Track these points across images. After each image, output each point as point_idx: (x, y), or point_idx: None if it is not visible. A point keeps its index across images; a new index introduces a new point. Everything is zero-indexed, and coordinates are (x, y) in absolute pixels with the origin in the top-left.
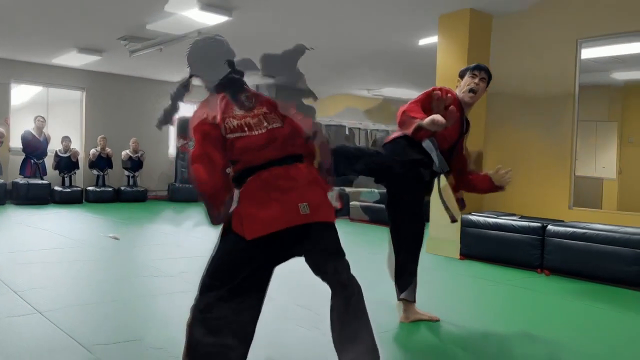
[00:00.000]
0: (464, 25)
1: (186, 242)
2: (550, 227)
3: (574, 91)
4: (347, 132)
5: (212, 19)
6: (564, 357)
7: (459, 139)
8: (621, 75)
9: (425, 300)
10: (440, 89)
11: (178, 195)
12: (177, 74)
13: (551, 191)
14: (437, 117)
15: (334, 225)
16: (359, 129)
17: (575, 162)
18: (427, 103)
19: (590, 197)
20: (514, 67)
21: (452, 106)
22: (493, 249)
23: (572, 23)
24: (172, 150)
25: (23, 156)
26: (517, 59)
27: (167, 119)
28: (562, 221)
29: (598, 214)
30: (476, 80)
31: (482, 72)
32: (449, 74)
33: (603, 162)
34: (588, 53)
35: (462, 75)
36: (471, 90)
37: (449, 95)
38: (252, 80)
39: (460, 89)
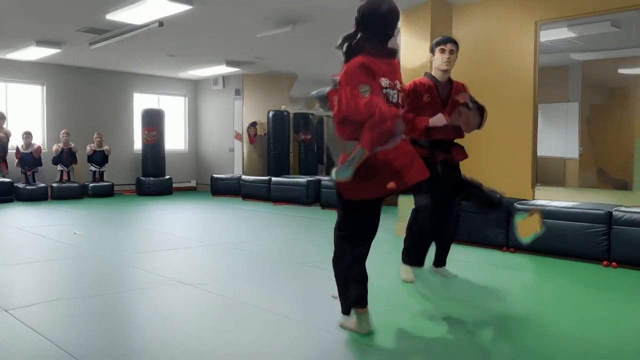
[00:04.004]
0: (426, 19)
1: (157, 236)
2: (515, 205)
3: (534, 73)
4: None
5: (173, 8)
6: (534, 332)
7: (445, 107)
8: (580, 56)
9: (394, 279)
10: (415, 86)
11: (146, 189)
12: (140, 64)
13: (515, 171)
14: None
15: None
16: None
17: (537, 142)
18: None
19: (553, 176)
20: (475, 52)
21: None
22: (459, 229)
23: (532, 6)
24: (137, 144)
25: None
26: (478, 44)
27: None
28: (527, 200)
29: (561, 191)
30: (446, 55)
31: (448, 44)
32: (413, 65)
33: (565, 142)
34: (547, 35)
35: (433, 51)
36: (444, 64)
37: (423, 84)
38: None
39: (435, 63)
